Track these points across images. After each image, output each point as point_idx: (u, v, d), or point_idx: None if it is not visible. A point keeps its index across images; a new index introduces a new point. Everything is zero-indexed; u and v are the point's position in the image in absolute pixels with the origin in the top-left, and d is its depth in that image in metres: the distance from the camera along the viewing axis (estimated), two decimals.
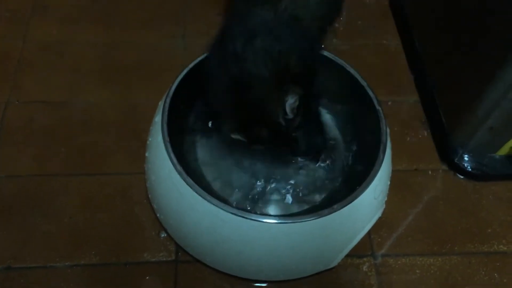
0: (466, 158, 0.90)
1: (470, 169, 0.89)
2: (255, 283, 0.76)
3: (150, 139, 0.77)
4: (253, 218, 0.65)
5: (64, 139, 0.89)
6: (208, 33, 1.05)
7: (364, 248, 0.81)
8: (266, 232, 0.66)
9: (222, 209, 0.65)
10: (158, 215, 0.78)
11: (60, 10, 1.08)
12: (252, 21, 0.71)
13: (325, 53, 0.81)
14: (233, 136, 0.72)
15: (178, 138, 0.80)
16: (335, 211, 0.67)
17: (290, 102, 0.68)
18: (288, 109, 0.68)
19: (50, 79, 0.97)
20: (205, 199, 0.65)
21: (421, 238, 0.83)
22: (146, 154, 0.77)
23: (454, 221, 0.85)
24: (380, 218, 0.77)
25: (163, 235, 0.79)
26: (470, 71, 0.85)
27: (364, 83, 0.78)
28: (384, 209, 0.77)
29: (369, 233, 0.82)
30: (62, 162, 0.86)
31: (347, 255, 0.75)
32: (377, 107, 0.76)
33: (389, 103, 0.98)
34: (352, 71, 0.80)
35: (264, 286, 0.76)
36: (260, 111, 0.69)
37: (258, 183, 0.79)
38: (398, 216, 0.85)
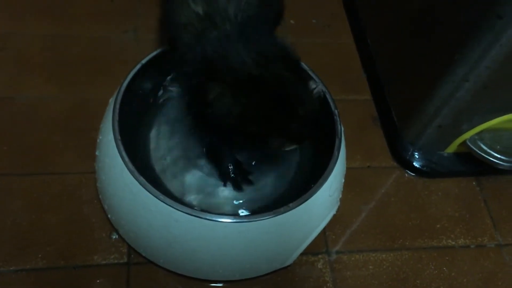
0: (416, 156, 0.92)
1: (420, 166, 0.92)
2: (210, 283, 0.75)
3: (100, 137, 0.74)
4: (207, 217, 0.64)
5: (7, 137, 0.84)
6: (159, 29, 1.05)
7: (319, 245, 0.81)
8: (221, 232, 0.65)
9: (175, 208, 0.63)
10: (109, 215, 0.75)
11: (4, 2, 1.02)
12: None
13: None
14: (287, 148, 0.70)
15: (130, 135, 0.77)
16: (290, 209, 0.66)
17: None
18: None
19: None
20: (158, 198, 0.64)
21: (374, 234, 0.84)
22: (97, 153, 0.75)
23: (405, 217, 0.87)
24: (334, 215, 0.78)
25: (114, 237, 0.77)
26: (419, 70, 0.87)
27: (322, 87, 0.78)
28: (339, 206, 0.78)
29: (323, 230, 0.82)
30: (5, 162, 0.82)
31: (302, 253, 0.75)
32: (333, 109, 0.77)
33: (343, 101, 0.99)
34: (308, 70, 0.80)
35: (220, 286, 0.75)
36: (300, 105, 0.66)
37: (213, 180, 0.78)
38: (352, 213, 0.86)
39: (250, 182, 0.79)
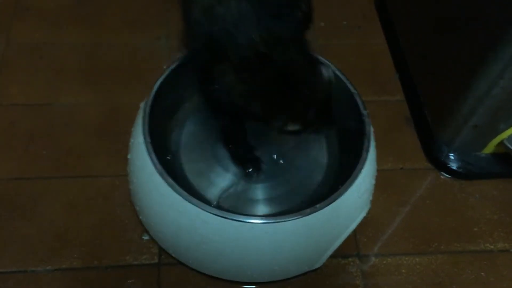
0: (451, 157, 0.89)
1: (455, 168, 0.89)
2: (240, 285, 0.75)
3: (132, 141, 0.76)
4: (234, 218, 0.64)
5: (45, 142, 0.88)
6: None
7: (350, 248, 0.80)
8: (248, 232, 0.65)
9: (202, 209, 0.64)
10: (140, 217, 0.77)
11: (43, 12, 1.07)
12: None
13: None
14: (291, 128, 0.69)
15: (161, 138, 0.79)
16: (317, 210, 0.66)
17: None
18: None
19: (32, 82, 0.96)
20: (185, 199, 0.64)
21: (407, 237, 0.82)
22: (128, 156, 0.76)
23: (440, 220, 0.84)
24: (366, 218, 0.76)
25: (145, 238, 0.78)
26: (453, 69, 0.85)
27: (351, 88, 0.77)
28: (370, 209, 0.76)
29: (354, 233, 0.81)
30: (43, 165, 0.85)
31: (332, 256, 0.74)
32: (363, 110, 0.76)
33: (375, 102, 0.98)
34: (338, 73, 0.79)
35: None
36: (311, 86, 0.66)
37: (243, 181, 0.79)
38: (384, 215, 0.84)
39: (259, 168, 0.79)
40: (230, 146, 0.80)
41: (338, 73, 0.79)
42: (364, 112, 0.75)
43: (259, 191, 0.78)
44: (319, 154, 0.82)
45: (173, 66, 0.78)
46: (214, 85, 0.67)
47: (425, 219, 0.84)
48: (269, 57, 0.64)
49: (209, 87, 0.68)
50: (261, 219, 0.65)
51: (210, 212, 0.64)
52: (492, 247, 0.82)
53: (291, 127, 0.69)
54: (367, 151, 0.72)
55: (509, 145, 0.84)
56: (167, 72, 0.77)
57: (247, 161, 0.79)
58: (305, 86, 0.65)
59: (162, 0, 1.11)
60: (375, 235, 0.82)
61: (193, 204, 0.64)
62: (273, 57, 0.65)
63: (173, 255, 0.75)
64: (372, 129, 0.74)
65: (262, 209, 0.76)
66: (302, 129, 0.70)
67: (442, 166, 0.90)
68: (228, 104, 0.68)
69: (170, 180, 0.66)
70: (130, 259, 0.76)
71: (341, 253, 0.78)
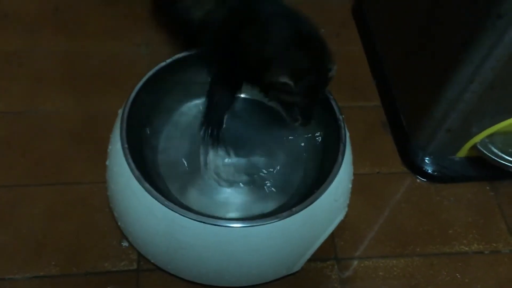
0: (427, 161, 0.91)
1: (431, 172, 0.91)
2: None
3: (110, 147, 0.76)
4: (210, 222, 0.64)
5: (22, 149, 0.88)
6: (172, 42, 1.07)
7: (328, 251, 0.81)
8: (225, 236, 0.66)
9: (179, 213, 0.64)
10: (119, 223, 0.77)
11: (21, 19, 1.07)
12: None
13: None
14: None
15: (138, 145, 0.79)
16: (294, 213, 0.67)
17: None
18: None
19: (11, 89, 0.96)
20: (162, 204, 0.65)
21: (384, 240, 0.83)
22: (107, 163, 0.77)
23: (416, 223, 0.86)
24: (343, 221, 0.77)
25: (124, 244, 0.78)
26: (426, 74, 0.87)
27: (328, 95, 0.79)
28: (347, 212, 0.78)
29: (332, 236, 0.82)
30: (21, 173, 0.85)
31: (311, 259, 0.75)
32: (338, 115, 0.77)
33: (352, 108, 0.99)
34: None
35: None
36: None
37: (218, 186, 0.79)
38: (361, 219, 0.86)
39: (217, 141, 0.81)
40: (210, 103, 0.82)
41: None
42: (340, 117, 0.77)
43: (236, 195, 0.78)
44: (297, 159, 0.83)
45: (150, 73, 0.79)
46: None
47: (402, 222, 0.86)
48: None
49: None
50: (238, 222, 0.66)
51: (186, 217, 0.64)
52: (466, 249, 0.84)
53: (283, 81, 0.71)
54: (343, 155, 0.73)
55: (482, 149, 0.86)
56: (144, 79, 0.78)
57: (214, 128, 0.81)
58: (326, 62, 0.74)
59: (141, 7, 1.12)
60: (352, 238, 0.83)
61: (170, 208, 0.65)
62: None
63: (152, 261, 0.75)
64: (347, 134, 0.76)
65: (239, 213, 0.77)
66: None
67: (417, 170, 0.92)
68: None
69: (147, 185, 0.67)
70: (109, 266, 0.76)
71: (319, 256, 0.79)
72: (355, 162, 0.78)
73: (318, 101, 0.76)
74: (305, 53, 0.73)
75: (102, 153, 0.77)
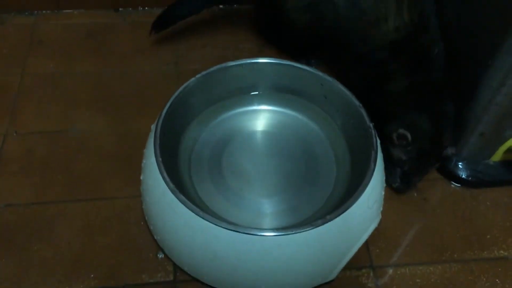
0: (460, 166, 0.90)
1: (465, 177, 0.89)
2: None
3: (144, 161, 0.78)
4: (245, 231, 0.65)
5: (61, 168, 0.90)
6: (200, 60, 1.10)
7: (363, 260, 0.80)
8: (259, 245, 0.66)
9: (214, 223, 0.65)
10: (155, 236, 0.78)
11: (55, 45, 1.12)
12: None
13: (315, 70, 0.84)
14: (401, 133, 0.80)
15: (173, 159, 0.81)
16: (328, 221, 0.67)
17: None
18: None
19: (47, 111, 0.99)
20: (198, 215, 0.66)
21: (420, 247, 0.82)
22: (141, 177, 0.78)
23: (452, 229, 0.84)
24: (377, 229, 0.76)
25: (160, 256, 0.80)
26: (457, 80, 0.86)
27: (356, 101, 0.79)
28: (381, 220, 0.77)
29: (367, 244, 0.82)
30: (59, 190, 0.87)
31: (346, 268, 0.74)
32: (368, 123, 0.77)
33: None
34: (342, 87, 0.81)
35: None
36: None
37: (251, 196, 0.80)
38: (395, 226, 0.85)
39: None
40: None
41: (341, 87, 0.81)
42: (370, 124, 0.77)
43: (268, 205, 0.79)
44: (328, 168, 0.83)
45: (182, 88, 0.81)
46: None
47: (437, 228, 0.85)
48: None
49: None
50: (272, 231, 0.66)
51: (221, 226, 0.65)
52: (506, 253, 0.82)
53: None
54: (375, 162, 0.73)
55: None
56: (176, 93, 0.80)
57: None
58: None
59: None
60: (387, 246, 0.82)
61: (205, 219, 0.66)
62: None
63: (187, 271, 0.76)
64: (378, 141, 0.76)
65: (272, 222, 0.77)
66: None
67: (451, 175, 0.90)
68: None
69: (182, 197, 0.68)
70: (146, 278, 0.77)
71: (354, 265, 0.78)
72: None
73: (422, 175, 0.83)
74: (433, 124, 0.80)
75: (136, 169, 0.79)
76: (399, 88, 0.83)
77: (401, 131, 0.79)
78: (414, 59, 0.83)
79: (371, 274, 0.79)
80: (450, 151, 0.81)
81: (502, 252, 0.82)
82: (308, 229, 0.66)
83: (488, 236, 0.84)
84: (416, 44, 0.83)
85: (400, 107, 0.83)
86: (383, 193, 0.77)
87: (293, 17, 0.94)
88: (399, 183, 0.83)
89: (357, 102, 0.79)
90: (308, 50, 1.02)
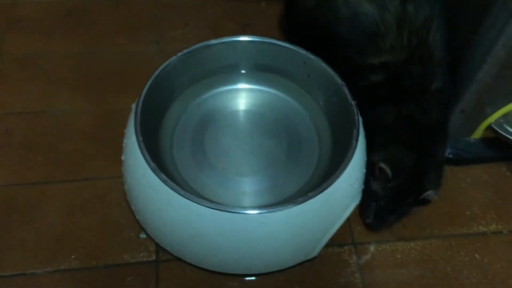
0: None
1: (446, 154, 0.90)
2: (236, 277, 0.76)
3: (125, 141, 0.77)
4: (227, 209, 0.65)
5: (41, 149, 0.89)
6: (182, 39, 1.08)
7: (345, 236, 0.81)
8: (241, 224, 0.66)
9: (195, 202, 0.65)
10: (136, 216, 0.78)
11: (34, 23, 1.09)
12: None
13: (298, 48, 0.83)
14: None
15: (154, 138, 0.81)
16: (310, 198, 0.67)
17: None
18: None
19: (26, 91, 0.98)
20: (179, 193, 0.66)
21: (401, 224, 0.83)
22: (122, 157, 0.78)
23: (432, 205, 0.84)
24: (358, 207, 0.78)
25: (142, 236, 0.79)
26: None
27: (339, 80, 0.79)
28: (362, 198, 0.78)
29: (348, 221, 0.82)
30: (40, 171, 0.86)
31: (328, 245, 0.75)
32: (351, 101, 0.77)
33: None
34: (324, 65, 0.81)
35: (247, 280, 0.76)
36: None
37: (233, 176, 0.80)
38: None
39: None
40: None
41: (324, 65, 0.81)
42: (352, 102, 0.77)
43: (251, 184, 0.79)
44: (310, 146, 0.84)
45: (162, 66, 0.80)
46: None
47: None
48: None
49: None
50: (254, 209, 0.66)
51: (203, 205, 0.65)
52: (485, 229, 0.83)
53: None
54: (356, 139, 0.73)
55: (497, 129, 0.85)
56: (157, 72, 0.79)
57: None
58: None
59: (151, 6, 1.14)
60: None
61: (186, 198, 0.66)
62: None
63: (170, 251, 0.76)
64: (360, 119, 0.76)
65: (254, 201, 0.77)
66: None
67: None
68: None
69: (163, 176, 0.67)
70: (128, 258, 0.77)
71: (336, 242, 0.79)
72: None
73: (397, 216, 0.80)
74: (419, 164, 0.75)
75: (118, 150, 0.79)
76: (387, 117, 0.79)
77: (382, 165, 0.74)
78: (405, 88, 0.78)
79: (353, 250, 0.80)
80: (430, 195, 0.75)
81: (481, 227, 0.83)
82: (289, 206, 0.66)
83: (468, 213, 0.85)
84: (409, 73, 0.78)
85: (385, 138, 0.78)
86: (364, 170, 0.77)
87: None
88: (372, 219, 0.78)
89: (339, 80, 0.79)
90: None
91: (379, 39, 0.79)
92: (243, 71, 0.89)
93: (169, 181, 0.67)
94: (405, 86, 0.79)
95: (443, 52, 0.78)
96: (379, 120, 0.80)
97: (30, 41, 1.06)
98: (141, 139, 0.71)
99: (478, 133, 0.89)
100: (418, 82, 0.78)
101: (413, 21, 0.78)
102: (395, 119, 0.78)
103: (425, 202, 0.76)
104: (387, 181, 0.75)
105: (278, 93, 0.90)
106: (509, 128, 0.85)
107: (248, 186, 0.79)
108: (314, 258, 0.77)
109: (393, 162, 0.75)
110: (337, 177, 0.69)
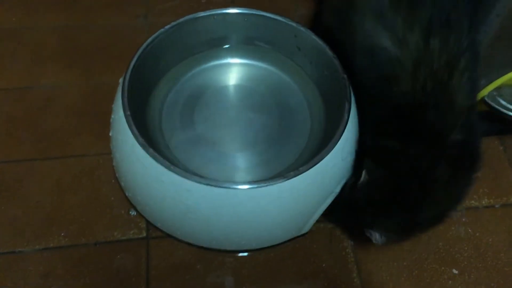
0: None
1: None
2: (228, 253, 0.76)
3: (113, 117, 0.75)
4: (217, 185, 0.64)
5: (27, 125, 0.87)
6: (171, 12, 1.06)
7: None
8: (232, 199, 0.65)
9: (185, 178, 0.64)
10: (126, 193, 0.77)
11: None
12: None
13: (288, 20, 0.81)
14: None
15: (143, 113, 0.79)
16: (301, 173, 0.66)
17: None
18: None
19: (10, 67, 0.95)
20: (168, 169, 0.64)
21: None
22: (110, 133, 0.76)
23: None
24: None
25: (132, 213, 0.79)
26: None
27: (330, 52, 0.77)
28: None
29: None
30: (27, 148, 0.85)
31: (320, 220, 0.75)
32: (342, 74, 0.75)
33: None
34: (315, 37, 0.79)
35: (238, 256, 0.76)
36: None
37: (224, 151, 0.79)
38: None
39: None
40: None
41: (315, 37, 0.79)
42: (344, 75, 0.75)
43: (242, 159, 0.78)
44: (302, 121, 0.82)
45: (150, 39, 0.78)
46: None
47: None
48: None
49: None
50: (245, 184, 0.65)
51: (193, 181, 0.64)
52: (477, 203, 0.83)
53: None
54: (348, 112, 0.72)
55: (490, 102, 0.84)
56: (144, 45, 0.77)
57: None
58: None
59: None
60: None
61: (176, 173, 0.64)
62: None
63: (160, 228, 0.75)
64: (352, 92, 0.74)
65: (246, 176, 0.76)
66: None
67: None
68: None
69: (152, 151, 0.66)
70: (118, 235, 0.76)
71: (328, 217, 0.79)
72: None
73: None
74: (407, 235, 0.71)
75: (106, 126, 0.77)
76: (376, 173, 0.69)
77: (368, 233, 0.68)
78: (415, 137, 0.67)
79: None
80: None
81: (473, 202, 0.83)
82: (281, 181, 0.65)
83: None
84: (422, 120, 0.66)
85: (372, 200, 0.69)
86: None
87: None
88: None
89: (331, 53, 0.77)
90: None
91: (393, 82, 0.68)
92: (232, 45, 0.87)
93: (158, 156, 0.66)
94: (415, 133, 0.67)
95: (469, 97, 0.67)
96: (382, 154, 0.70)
97: (13, 15, 1.03)
98: (128, 113, 0.70)
99: None
100: (431, 132, 0.66)
101: (434, 60, 0.65)
102: (383, 177, 0.68)
103: None
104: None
105: (268, 67, 0.88)
106: (502, 101, 0.84)
107: (239, 161, 0.78)
108: (306, 233, 0.76)
109: (380, 229, 0.68)
110: (329, 151, 0.68)
